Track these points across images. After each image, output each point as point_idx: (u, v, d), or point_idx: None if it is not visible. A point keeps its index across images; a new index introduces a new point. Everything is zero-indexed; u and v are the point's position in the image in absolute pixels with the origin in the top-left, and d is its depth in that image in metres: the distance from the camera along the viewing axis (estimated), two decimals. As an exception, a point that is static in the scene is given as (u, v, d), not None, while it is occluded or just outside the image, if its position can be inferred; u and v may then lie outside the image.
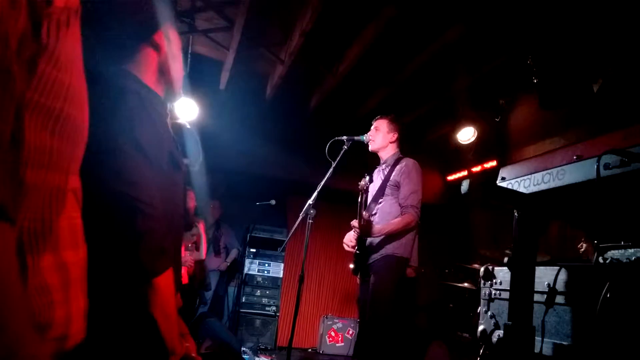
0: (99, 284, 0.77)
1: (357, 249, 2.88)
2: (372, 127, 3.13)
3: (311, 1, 3.36)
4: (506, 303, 1.56)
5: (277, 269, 5.79)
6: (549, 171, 1.35)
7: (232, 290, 5.97)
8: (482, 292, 1.78)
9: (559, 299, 1.39)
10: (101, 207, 0.90)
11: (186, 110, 4.31)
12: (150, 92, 1.17)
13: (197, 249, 4.30)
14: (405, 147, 3.21)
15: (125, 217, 0.97)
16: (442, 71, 4.22)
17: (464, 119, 4.78)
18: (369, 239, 2.89)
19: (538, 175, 1.39)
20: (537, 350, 1.40)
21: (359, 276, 3.01)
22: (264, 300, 5.63)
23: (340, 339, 5.74)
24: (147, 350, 1.02)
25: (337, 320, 5.81)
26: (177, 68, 1.25)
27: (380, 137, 3.07)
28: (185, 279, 3.88)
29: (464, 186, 1.33)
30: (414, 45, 3.86)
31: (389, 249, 2.82)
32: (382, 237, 2.83)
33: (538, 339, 1.41)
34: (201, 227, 4.39)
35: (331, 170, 3.00)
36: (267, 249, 5.72)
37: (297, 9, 3.66)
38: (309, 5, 3.41)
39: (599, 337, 1.20)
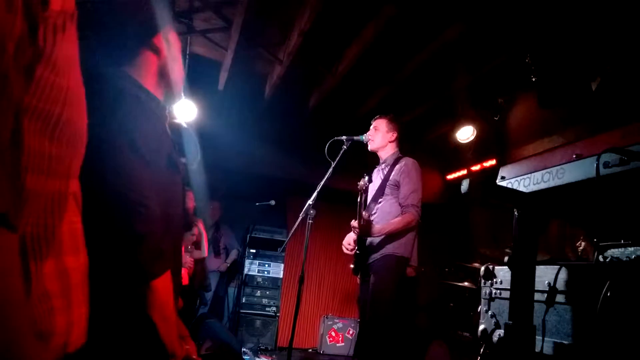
0: (98, 287, 0.77)
1: (357, 249, 2.88)
2: (371, 127, 3.13)
3: (310, 1, 3.35)
4: (507, 302, 1.56)
5: (277, 270, 5.79)
6: (548, 170, 1.35)
7: (232, 291, 5.97)
8: (483, 291, 1.78)
9: (560, 298, 1.39)
10: (99, 209, 0.89)
11: (185, 111, 4.31)
12: (149, 95, 1.17)
13: (199, 247, 4.30)
14: (405, 146, 3.21)
15: (123, 219, 0.97)
16: (442, 70, 4.22)
17: (463, 118, 4.78)
18: (369, 239, 2.89)
19: (538, 174, 1.39)
20: (537, 349, 1.40)
21: (359, 276, 3.01)
22: (264, 301, 5.63)
23: (340, 339, 5.74)
24: (147, 353, 1.02)
25: (337, 320, 5.81)
26: (177, 71, 1.25)
27: (379, 137, 3.07)
28: (185, 280, 3.88)
29: (464, 185, 1.33)
30: (413, 44, 3.86)
31: (389, 248, 2.82)
32: (382, 236, 2.83)
33: (539, 338, 1.41)
34: (201, 225, 4.39)
35: (331, 170, 3.00)
36: (267, 249, 5.72)
37: (295, 8, 3.65)
38: (308, 5, 3.41)
39: (599, 336, 1.20)
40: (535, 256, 1.39)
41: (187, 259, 4.04)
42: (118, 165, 0.99)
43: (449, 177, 6.05)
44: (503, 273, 1.70)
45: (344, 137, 3.08)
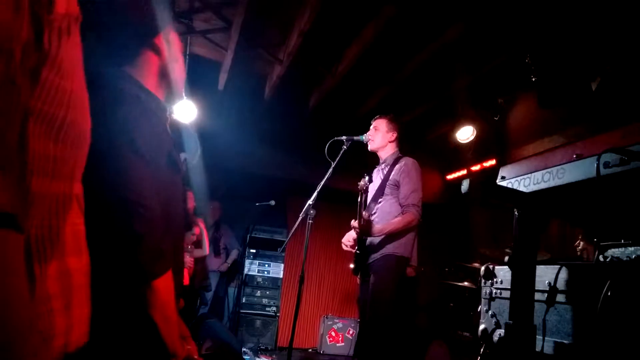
0: (99, 287, 0.77)
1: (357, 249, 2.88)
2: (371, 127, 3.13)
3: (310, 1, 3.35)
4: (507, 302, 1.56)
5: (277, 270, 5.79)
6: (548, 170, 1.35)
7: (232, 291, 5.97)
8: (483, 291, 1.78)
9: (560, 297, 1.39)
10: (99, 209, 0.90)
11: (185, 111, 4.31)
12: (150, 95, 1.17)
13: (200, 246, 4.30)
14: (405, 146, 3.21)
15: (124, 219, 0.97)
16: (442, 70, 4.22)
17: (463, 118, 4.78)
18: (369, 239, 2.89)
19: (538, 174, 1.39)
20: (538, 349, 1.40)
21: (359, 276, 3.01)
22: (264, 301, 5.63)
23: (340, 339, 5.74)
24: (148, 353, 1.02)
25: (337, 320, 5.81)
26: (178, 71, 1.25)
27: (379, 137, 3.08)
28: (185, 280, 3.88)
29: (464, 185, 1.33)
30: (413, 44, 3.86)
31: (389, 248, 2.82)
32: (382, 236, 2.83)
33: (539, 337, 1.41)
34: (201, 223, 4.39)
35: (331, 170, 3.00)
36: (267, 249, 5.73)
37: (295, 9, 3.66)
38: (308, 5, 3.41)
39: (600, 335, 1.21)
40: (535, 256, 1.39)
41: (187, 259, 4.04)
42: (118, 165, 0.99)
43: (449, 177, 6.05)
44: (503, 273, 1.70)
45: (344, 137, 3.08)
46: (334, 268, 6.32)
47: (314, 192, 2.94)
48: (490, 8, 3.22)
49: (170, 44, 1.21)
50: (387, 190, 2.96)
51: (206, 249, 4.42)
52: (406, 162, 2.98)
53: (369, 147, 3.11)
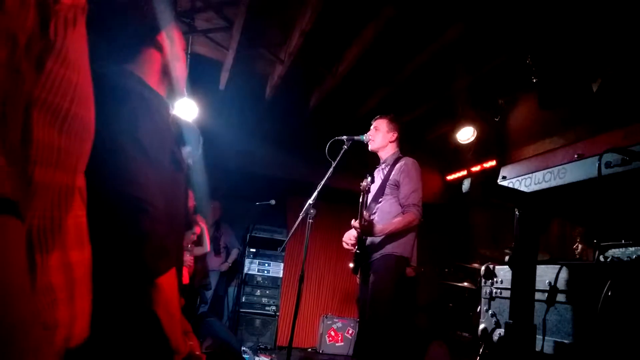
0: (103, 283, 0.77)
1: (357, 248, 2.88)
2: (371, 127, 3.13)
3: (311, 1, 3.36)
4: (507, 302, 1.56)
5: (277, 269, 5.79)
6: (550, 170, 1.35)
7: (232, 290, 5.97)
8: (483, 290, 1.78)
9: (560, 297, 1.39)
10: (104, 207, 0.90)
11: (186, 110, 4.31)
12: (153, 92, 1.17)
13: (200, 243, 4.30)
14: (405, 146, 3.22)
15: (129, 217, 0.97)
16: (442, 71, 4.22)
17: (464, 118, 4.79)
18: (369, 238, 2.89)
19: (539, 174, 1.39)
20: (538, 348, 1.40)
21: (358, 275, 3.01)
22: (264, 300, 5.63)
23: (340, 338, 5.74)
24: (151, 349, 1.02)
25: (336, 320, 5.81)
26: (180, 68, 1.26)
27: (379, 137, 3.08)
28: (186, 279, 3.88)
29: (465, 185, 1.33)
30: (413, 45, 3.87)
31: (388, 248, 2.82)
32: (382, 236, 2.83)
33: (539, 337, 1.41)
34: (201, 222, 4.39)
35: (331, 170, 3.00)
36: (267, 248, 5.73)
37: (296, 9, 3.66)
38: (309, 6, 3.42)
39: (600, 335, 1.21)
40: (536, 255, 1.39)
41: (187, 258, 4.04)
42: (123, 162, 0.99)
43: (449, 177, 6.06)
44: (504, 272, 1.70)
45: (344, 137, 3.08)
46: (334, 268, 6.32)
47: (314, 191, 2.95)
48: (490, 8, 3.22)
49: (173, 41, 1.21)
50: (387, 190, 2.96)
51: (207, 246, 4.42)
52: (406, 162, 2.98)
53: (370, 147, 3.11)
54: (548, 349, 1.39)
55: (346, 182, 3.68)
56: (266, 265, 5.76)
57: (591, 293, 1.25)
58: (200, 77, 4.64)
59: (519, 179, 1.48)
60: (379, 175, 3.10)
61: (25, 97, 0.45)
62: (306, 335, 6.08)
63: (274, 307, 5.63)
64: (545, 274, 1.44)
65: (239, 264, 5.81)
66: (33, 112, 0.49)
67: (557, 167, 1.33)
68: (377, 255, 2.84)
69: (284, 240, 3.23)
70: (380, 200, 2.98)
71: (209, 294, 5.27)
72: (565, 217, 2.76)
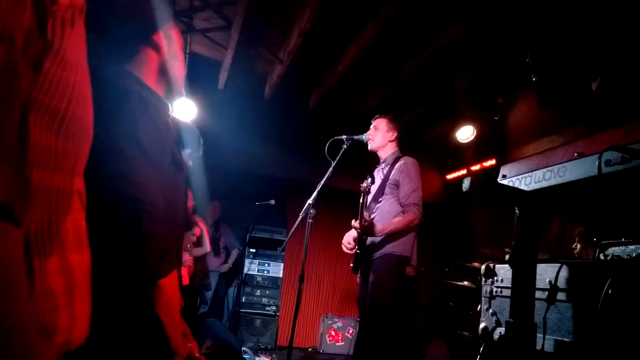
0: (105, 285, 0.77)
1: (357, 248, 2.88)
2: (371, 126, 3.13)
3: (310, 1, 3.36)
4: (507, 300, 1.56)
5: (277, 269, 5.79)
6: (550, 168, 1.35)
7: (232, 290, 5.97)
8: (483, 289, 1.78)
9: (561, 296, 1.39)
10: (104, 208, 0.89)
11: (185, 110, 4.31)
12: (151, 92, 1.16)
13: (200, 244, 4.30)
14: (405, 146, 3.21)
15: (130, 218, 0.97)
16: (441, 70, 4.22)
17: (463, 117, 4.79)
18: (369, 238, 2.89)
19: (539, 173, 1.39)
20: (538, 347, 1.40)
21: (358, 275, 3.01)
22: (264, 300, 5.63)
23: (340, 338, 5.74)
24: (151, 351, 1.02)
25: (337, 320, 5.81)
26: (179, 68, 1.25)
27: (379, 136, 3.08)
28: (185, 280, 3.88)
29: (466, 184, 1.33)
30: (413, 44, 3.86)
31: (388, 247, 2.82)
32: (382, 236, 2.83)
33: (540, 335, 1.41)
34: (200, 222, 4.39)
35: (331, 169, 3.00)
36: (267, 249, 5.73)
37: (295, 8, 3.66)
38: (308, 5, 3.41)
39: (600, 333, 1.21)
40: (536, 254, 1.39)
41: (187, 258, 4.04)
42: (123, 163, 0.98)
43: (449, 176, 6.06)
44: (504, 271, 1.70)
45: (344, 137, 3.08)
46: (334, 267, 6.32)
47: (313, 191, 2.94)
48: (489, 8, 3.22)
49: (171, 41, 1.21)
50: (387, 189, 2.96)
51: (207, 246, 4.42)
52: (406, 161, 2.98)
53: (369, 147, 3.11)
54: (549, 347, 1.39)
55: (346, 181, 3.67)
56: (266, 265, 5.76)
57: (591, 291, 1.25)
58: (199, 77, 4.64)
59: (519, 177, 1.48)
60: (378, 174, 3.10)
61: (22, 98, 0.45)
62: (306, 335, 6.08)
63: (274, 307, 5.63)
64: (546, 273, 1.44)
65: (238, 264, 5.80)
66: (30, 113, 0.48)
67: (557, 166, 1.33)
68: (377, 254, 2.84)
69: (284, 240, 3.23)
70: (380, 199, 2.98)
71: (209, 294, 5.27)
72: (565, 215, 2.76)
